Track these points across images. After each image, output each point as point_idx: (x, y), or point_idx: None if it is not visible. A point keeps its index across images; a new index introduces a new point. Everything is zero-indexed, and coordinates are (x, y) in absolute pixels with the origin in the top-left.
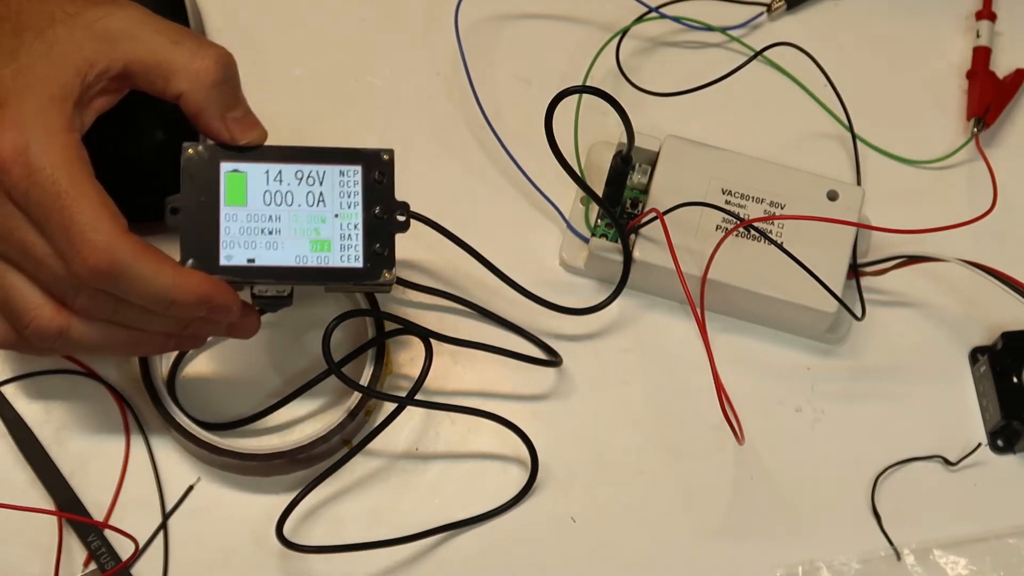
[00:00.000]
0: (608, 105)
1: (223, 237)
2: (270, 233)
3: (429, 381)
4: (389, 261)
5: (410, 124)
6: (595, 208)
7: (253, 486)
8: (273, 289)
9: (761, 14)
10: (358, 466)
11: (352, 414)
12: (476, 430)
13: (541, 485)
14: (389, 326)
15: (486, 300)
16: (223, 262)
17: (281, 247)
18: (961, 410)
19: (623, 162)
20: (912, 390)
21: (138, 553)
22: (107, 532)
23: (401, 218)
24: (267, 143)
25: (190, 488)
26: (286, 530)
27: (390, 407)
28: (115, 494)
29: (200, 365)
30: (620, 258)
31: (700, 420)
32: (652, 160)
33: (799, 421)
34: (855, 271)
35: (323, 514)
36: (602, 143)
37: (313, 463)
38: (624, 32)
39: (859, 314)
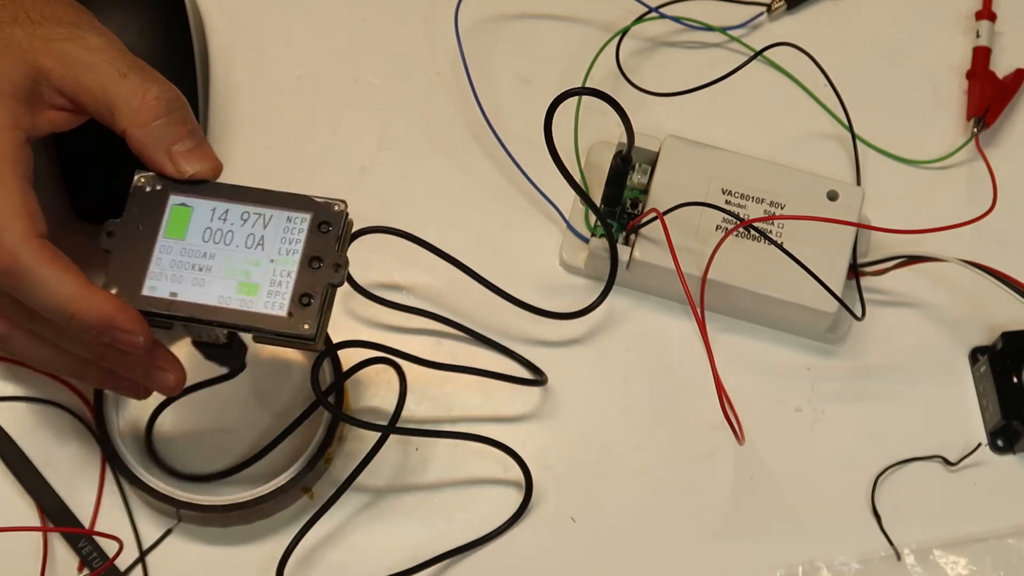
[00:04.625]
0: (608, 105)
1: (152, 268)
2: (200, 270)
3: (419, 402)
4: (312, 314)
5: (410, 124)
6: None
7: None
8: (206, 335)
9: (761, 14)
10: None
11: (311, 463)
12: (471, 450)
13: (541, 487)
14: (366, 353)
15: (480, 307)
16: (145, 292)
17: (207, 285)
18: (961, 410)
19: (623, 162)
20: (912, 390)
21: (121, 551)
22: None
23: (338, 272)
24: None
25: (168, 531)
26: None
27: (351, 456)
28: (97, 499)
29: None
30: (620, 258)
31: (700, 420)
32: (652, 160)
33: (799, 421)
34: (855, 271)
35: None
36: (602, 143)
37: (272, 513)
38: (624, 32)
39: (859, 314)
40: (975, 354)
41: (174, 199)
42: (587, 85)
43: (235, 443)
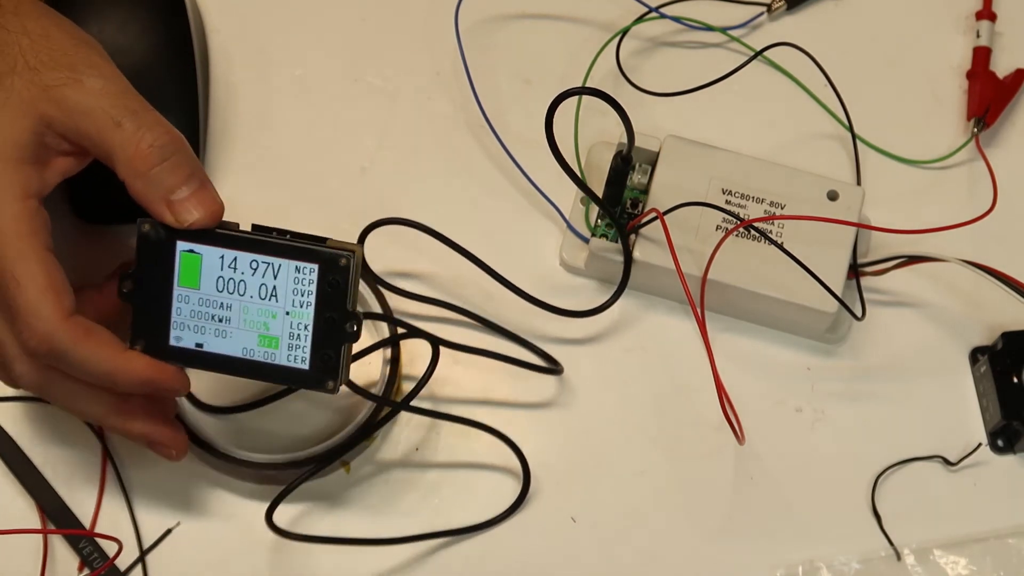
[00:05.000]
0: (608, 105)
1: (174, 317)
2: (220, 320)
3: (429, 387)
4: (335, 370)
5: (410, 124)
6: (595, 208)
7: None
8: None
9: (761, 14)
10: (354, 469)
11: (330, 455)
12: (476, 437)
13: (541, 485)
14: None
15: (485, 304)
16: (172, 343)
17: (230, 336)
18: (961, 410)
19: (623, 162)
20: (912, 390)
21: (121, 551)
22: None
23: (351, 329)
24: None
25: (168, 531)
26: (277, 521)
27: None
28: (97, 499)
29: None
30: (620, 258)
31: (700, 420)
32: (652, 160)
33: (799, 421)
34: (855, 271)
35: (316, 515)
36: (602, 143)
37: (278, 482)
38: (624, 32)
39: (859, 314)
40: (975, 354)
41: (181, 245)
42: (587, 85)
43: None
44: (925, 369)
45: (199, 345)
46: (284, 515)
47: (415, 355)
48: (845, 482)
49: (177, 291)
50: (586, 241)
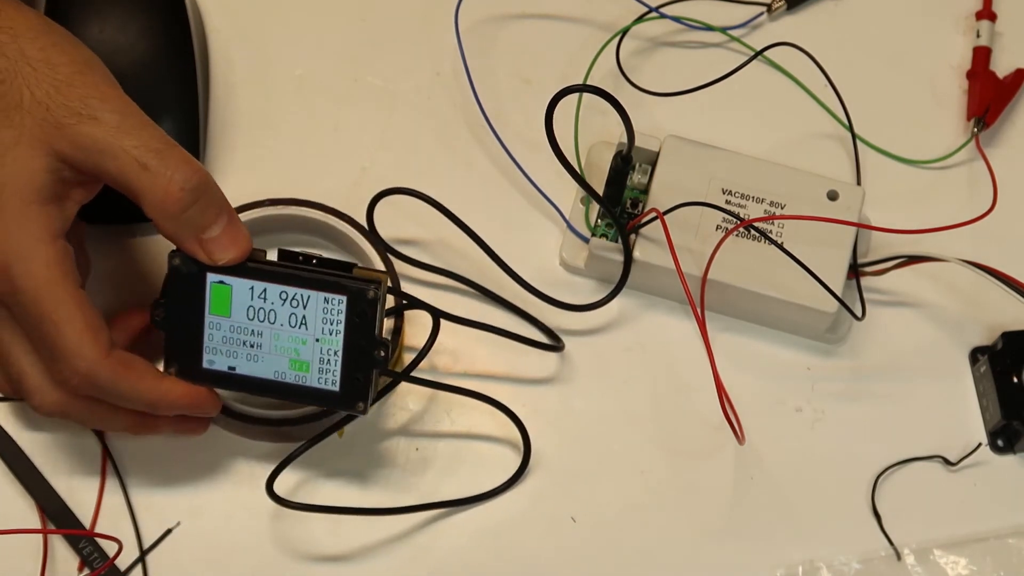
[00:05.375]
0: (608, 105)
1: (206, 343)
2: (251, 346)
3: (430, 359)
4: (365, 393)
5: (410, 124)
6: (595, 208)
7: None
8: None
9: (761, 14)
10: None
11: (324, 424)
12: (473, 414)
13: (541, 484)
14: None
15: (478, 297)
16: (205, 365)
17: (262, 360)
18: (961, 410)
19: (623, 162)
20: (912, 390)
21: (121, 551)
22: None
23: (379, 356)
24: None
25: (168, 531)
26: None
27: (382, 406)
28: (97, 499)
29: None
30: (620, 258)
31: (700, 420)
32: (652, 160)
33: (799, 421)
34: (855, 271)
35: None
36: (602, 143)
37: (286, 440)
38: (624, 32)
39: (859, 314)
40: (975, 354)
41: (212, 277)
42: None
43: None
44: (925, 369)
45: (231, 368)
46: (282, 487)
47: (419, 327)
48: (845, 482)
49: (208, 319)
50: (586, 241)
